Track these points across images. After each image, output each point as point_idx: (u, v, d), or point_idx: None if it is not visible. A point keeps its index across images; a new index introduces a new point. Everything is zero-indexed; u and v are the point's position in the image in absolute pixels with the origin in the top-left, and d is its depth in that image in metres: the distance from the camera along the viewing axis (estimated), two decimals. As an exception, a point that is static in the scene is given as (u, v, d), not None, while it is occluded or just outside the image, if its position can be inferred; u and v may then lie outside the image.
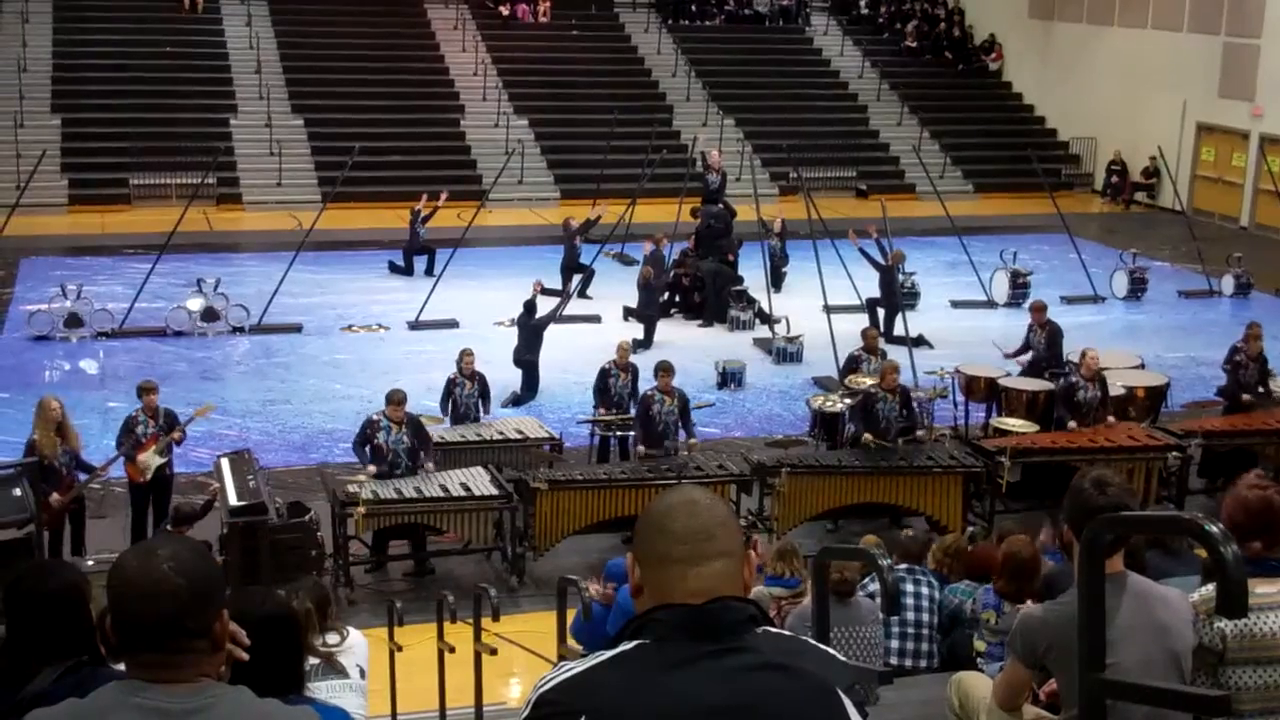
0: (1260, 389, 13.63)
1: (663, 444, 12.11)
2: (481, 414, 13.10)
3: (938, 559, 8.24)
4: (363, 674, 6.02)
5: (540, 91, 29.79)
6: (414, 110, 28.83)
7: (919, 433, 12.49)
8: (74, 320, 17.41)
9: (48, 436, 10.81)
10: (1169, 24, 28.76)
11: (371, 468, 11.27)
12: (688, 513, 2.28)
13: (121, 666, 2.48)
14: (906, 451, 12.12)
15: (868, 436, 11.97)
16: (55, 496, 10.71)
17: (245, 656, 2.55)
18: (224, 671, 2.49)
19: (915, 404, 12.71)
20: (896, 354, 15.36)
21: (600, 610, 7.99)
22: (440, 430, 12.44)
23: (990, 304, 20.22)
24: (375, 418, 11.51)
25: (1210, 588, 3.69)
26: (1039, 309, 15.19)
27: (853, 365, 13.92)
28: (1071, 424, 12.58)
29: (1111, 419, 12.79)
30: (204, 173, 22.22)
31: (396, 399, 11.41)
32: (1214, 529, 2.96)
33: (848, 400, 13.23)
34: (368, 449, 11.45)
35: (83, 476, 11.11)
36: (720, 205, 21.25)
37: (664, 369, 12.30)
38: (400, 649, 8.61)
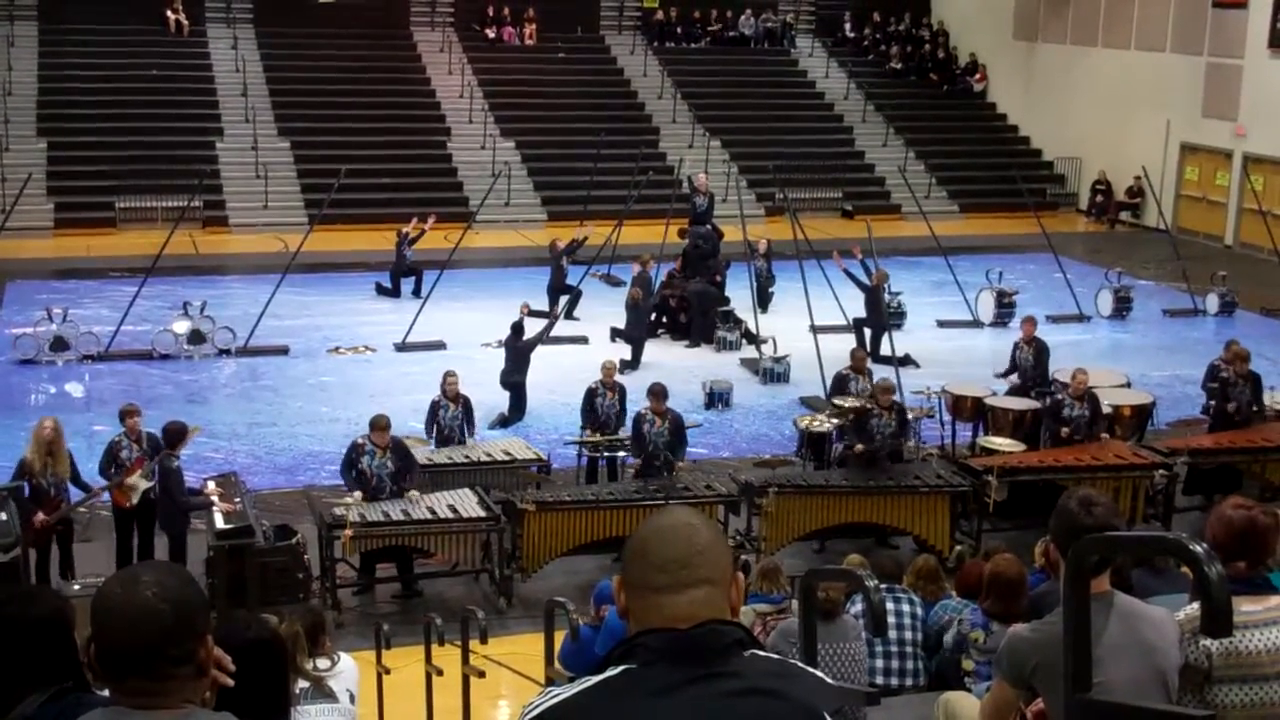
0: (1254, 407, 13.69)
1: (653, 464, 12.10)
2: (466, 436, 13.08)
3: (909, 581, 8.26)
4: (353, 699, 6.01)
5: (526, 114, 29.85)
6: (400, 133, 28.86)
7: (907, 443, 12.57)
8: (60, 344, 17.35)
9: (37, 456, 10.84)
10: (1152, 45, 28.95)
11: (358, 493, 11.22)
12: (666, 541, 2.28)
13: (106, 693, 2.48)
14: (894, 471, 12.16)
15: (859, 446, 12.03)
16: (40, 516, 10.68)
17: (230, 682, 2.55)
18: (209, 697, 2.49)
19: (909, 418, 12.81)
20: (883, 374, 15.40)
21: (589, 632, 7.97)
22: (427, 452, 12.42)
23: (976, 323, 20.27)
24: (360, 441, 11.48)
25: (1195, 606, 3.70)
26: (1030, 323, 15.32)
27: (840, 385, 13.95)
28: (1065, 430, 12.63)
29: (1105, 436, 12.85)
30: (190, 195, 22.21)
31: (380, 424, 11.36)
32: (1198, 549, 2.97)
33: (835, 420, 13.26)
34: (353, 473, 11.42)
35: (75, 495, 11.08)
36: (708, 227, 21.31)
37: (653, 393, 12.31)
38: (388, 672, 8.59)
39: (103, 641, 2.33)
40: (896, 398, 12.90)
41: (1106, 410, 13.59)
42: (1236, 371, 13.68)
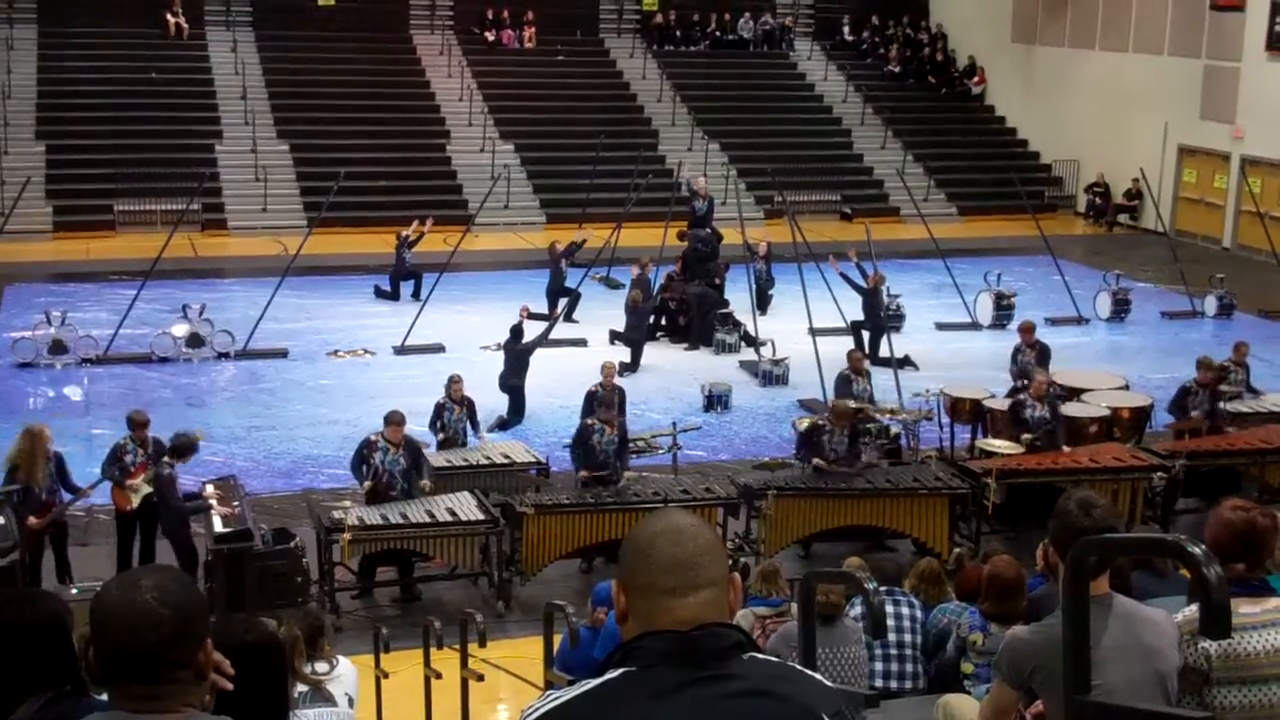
0: (1224, 407, 13.75)
1: (603, 473, 12.04)
2: (471, 438, 13.13)
3: (912, 584, 8.26)
4: (351, 703, 6.02)
5: (526, 116, 29.86)
6: (399, 135, 28.86)
7: (859, 464, 12.47)
8: (58, 347, 17.34)
9: (26, 460, 10.77)
10: (1150, 47, 28.97)
11: (368, 483, 11.29)
12: (672, 542, 2.27)
13: (105, 696, 2.48)
14: (894, 473, 12.17)
15: (819, 462, 12.02)
16: (31, 520, 10.65)
17: (229, 686, 2.55)
18: (208, 701, 2.49)
19: (862, 440, 12.69)
20: (882, 376, 15.44)
21: (588, 635, 7.97)
22: (427, 454, 12.42)
23: (975, 326, 20.28)
24: (373, 438, 11.52)
25: (1194, 608, 3.70)
26: (1027, 329, 15.33)
27: (844, 386, 13.96)
28: (1025, 436, 12.65)
29: (1066, 448, 12.78)
30: (189, 198, 22.21)
31: (396, 420, 11.43)
32: (1197, 550, 2.97)
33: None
34: (364, 468, 11.45)
35: (65, 497, 11.05)
36: (708, 230, 21.34)
37: (605, 404, 12.31)
38: (386, 676, 8.58)
39: (101, 645, 2.34)
40: (892, 411, 12.86)
41: (1104, 413, 13.59)
42: (1198, 380, 13.69)
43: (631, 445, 12.91)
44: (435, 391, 13.35)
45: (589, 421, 12.28)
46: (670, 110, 30.87)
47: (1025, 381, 14.52)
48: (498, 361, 15.96)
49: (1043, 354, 15.03)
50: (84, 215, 25.53)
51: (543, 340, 16.36)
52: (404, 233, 21.14)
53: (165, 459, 11.02)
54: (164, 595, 2.31)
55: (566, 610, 7.44)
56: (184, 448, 11.18)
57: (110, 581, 2.43)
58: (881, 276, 18.22)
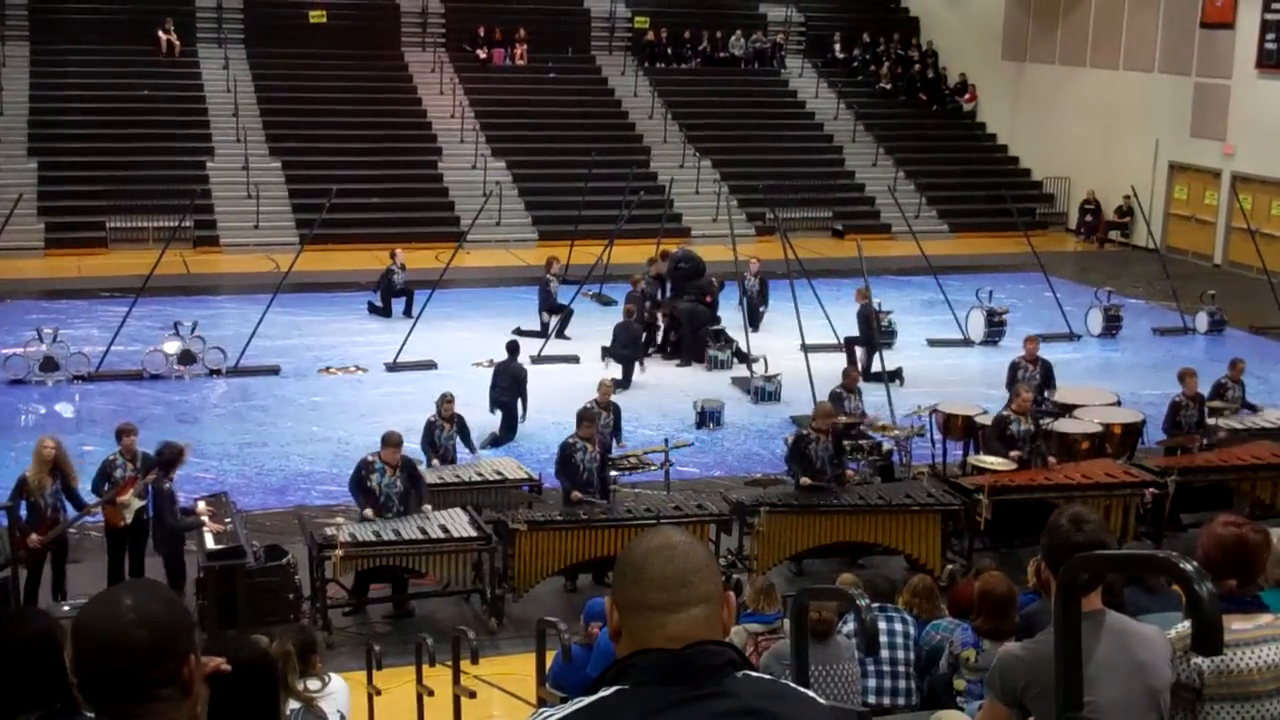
0: (1210, 420, 13.80)
1: (588, 490, 11.95)
2: (462, 455, 13.11)
3: (906, 600, 8.26)
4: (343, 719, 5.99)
5: (517, 134, 29.91)
6: (391, 152, 28.88)
7: (849, 471, 12.49)
8: (50, 364, 17.31)
9: (38, 475, 10.79)
10: (1140, 65, 29.09)
11: (369, 511, 11.24)
12: (665, 558, 2.26)
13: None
14: (886, 490, 12.17)
15: (805, 480, 11.97)
16: (34, 536, 10.64)
17: (227, 668, 2.52)
18: (200, 712, 2.47)
19: (848, 452, 12.72)
20: (874, 392, 15.45)
21: (580, 652, 7.96)
22: (420, 470, 12.39)
23: (967, 342, 20.31)
24: (370, 459, 11.46)
25: (1187, 624, 3.71)
26: (1033, 341, 15.38)
27: (835, 404, 13.95)
28: (1014, 453, 12.68)
29: (1052, 459, 12.81)
30: (181, 215, 22.21)
31: (393, 441, 11.34)
32: (1189, 567, 2.97)
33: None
34: (363, 492, 11.40)
35: (71, 513, 11.02)
36: (682, 249, 21.49)
37: (587, 418, 12.26)
38: (379, 692, 8.57)
39: (81, 665, 2.31)
40: (885, 428, 12.82)
41: (1096, 429, 13.60)
42: (1186, 393, 13.75)
43: (623, 462, 12.88)
44: (427, 408, 13.34)
45: (570, 440, 12.16)
46: (662, 127, 30.93)
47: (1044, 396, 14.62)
48: (489, 378, 15.94)
49: (1047, 371, 15.12)
50: (76, 232, 25.51)
51: (524, 407, 15.81)
52: (397, 254, 20.96)
53: (161, 474, 11.00)
54: (143, 614, 2.28)
55: (559, 627, 7.44)
56: (172, 458, 11.17)
57: (91, 601, 2.40)
58: (868, 291, 18.07)
